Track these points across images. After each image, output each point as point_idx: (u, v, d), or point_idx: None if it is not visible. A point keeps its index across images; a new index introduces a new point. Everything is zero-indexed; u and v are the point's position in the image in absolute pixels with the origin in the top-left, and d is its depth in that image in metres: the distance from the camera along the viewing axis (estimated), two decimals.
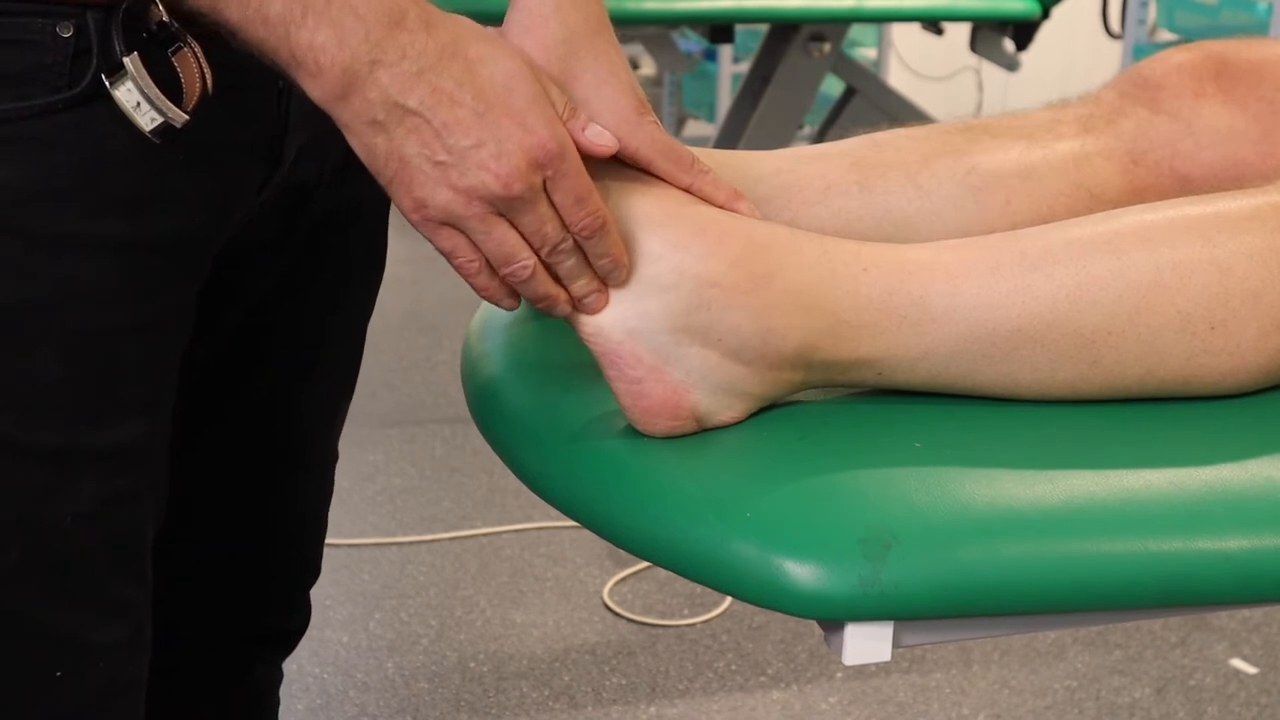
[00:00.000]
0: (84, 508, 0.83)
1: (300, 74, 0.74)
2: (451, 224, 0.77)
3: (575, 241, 0.78)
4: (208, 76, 0.80)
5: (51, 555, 0.83)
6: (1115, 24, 3.78)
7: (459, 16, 0.77)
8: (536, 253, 0.78)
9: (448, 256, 0.79)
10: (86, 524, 0.84)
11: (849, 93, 3.15)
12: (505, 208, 0.76)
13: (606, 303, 0.79)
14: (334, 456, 1.13)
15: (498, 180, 0.75)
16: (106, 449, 0.84)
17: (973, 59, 4.87)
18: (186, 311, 0.88)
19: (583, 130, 0.79)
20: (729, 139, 2.99)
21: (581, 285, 0.79)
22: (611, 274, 0.79)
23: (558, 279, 0.79)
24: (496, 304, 0.81)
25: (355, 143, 0.76)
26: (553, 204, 0.77)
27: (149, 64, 0.78)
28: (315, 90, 0.75)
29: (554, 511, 0.83)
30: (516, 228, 0.77)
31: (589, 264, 0.79)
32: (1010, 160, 0.97)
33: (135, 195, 0.81)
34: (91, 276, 0.80)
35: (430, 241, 0.78)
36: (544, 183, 0.76)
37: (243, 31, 0.74)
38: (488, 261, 0.78)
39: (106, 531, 0.85)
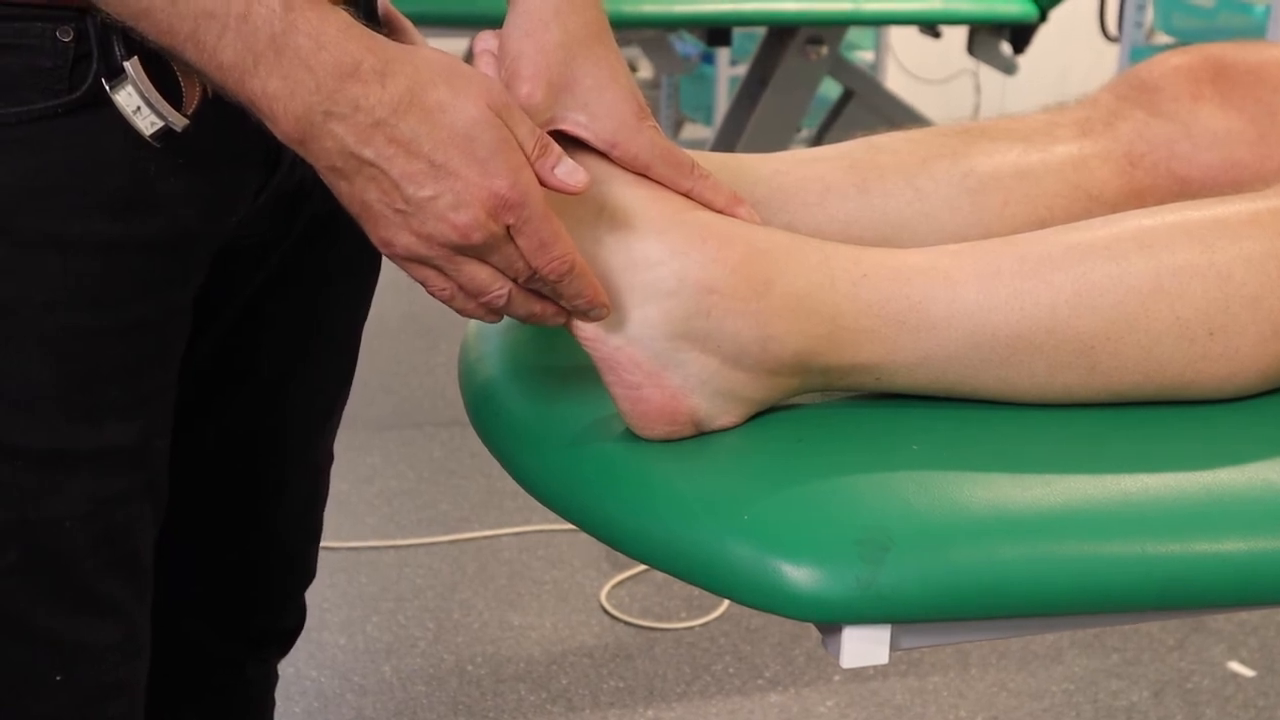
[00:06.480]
0: (76, 509, 0.83)
1: (260, 116, 0.74)
2: (419, 262, 0.77)
3: None
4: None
5: (45, 557, 0.83)
6: (1112, 27, 3.78)
7: (423, 57, 0.75)
8: (514, 280, 0.77)
9: (422, 285, 0.78)
10: (79, 525, 0.84)
11: (846, 95, 3.15)
12: (469, 252, 0.76)
13: (608, 312, 0.79)
14: (328, 459, 1.12)
15: (455, 231, 0.74)
16: (97, 450, 0.84)
17: (970, 62, 4.87)
18: (180, 314, 0.88)
19: (552, 169, 0.76)
20: (726, 142, 2.99)
21: (573, 304, 0.78)
22: (588, 314, 0.78)
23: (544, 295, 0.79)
24: (481, 320, 0.81)
25: (324, 180, 0.76)
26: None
27: (149, 68, 0.78)
28: (276, 133, 0.74)
29: (551, 514, 0.83)
30: (487, 263, 0.77)
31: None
32: (1008, 162, 0.97)
33: (128, 197, 0.80)
34: (78, 277, 0.80)
35: (404, 271, 0.78)
36: (508, 228, 0.75)
37: (201, 73, 0.74)
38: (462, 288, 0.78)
39: (99, 533, 0.85)
